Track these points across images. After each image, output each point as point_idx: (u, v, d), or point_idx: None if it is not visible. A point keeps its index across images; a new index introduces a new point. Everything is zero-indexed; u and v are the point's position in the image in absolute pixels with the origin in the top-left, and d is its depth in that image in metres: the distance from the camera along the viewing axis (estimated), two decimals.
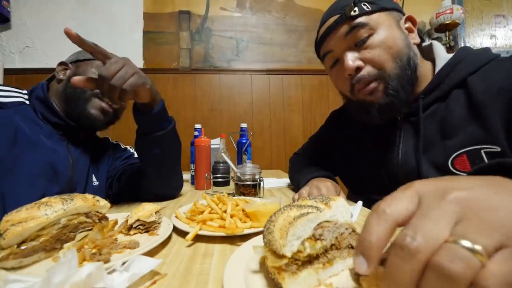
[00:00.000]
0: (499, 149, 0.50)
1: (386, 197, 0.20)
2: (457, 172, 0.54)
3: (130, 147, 0.94)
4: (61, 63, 0.75)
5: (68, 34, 0.50)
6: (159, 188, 0.75)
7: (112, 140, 0.93)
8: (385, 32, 0.58)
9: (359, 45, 0.59)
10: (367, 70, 0.59)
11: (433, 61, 0.64)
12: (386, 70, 0.58)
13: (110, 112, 0.76)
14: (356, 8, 0.58)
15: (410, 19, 0.64)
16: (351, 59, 0.60)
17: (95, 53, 0.54)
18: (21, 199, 0.58)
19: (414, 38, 0.63)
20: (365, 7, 0.58)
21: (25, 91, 0.72)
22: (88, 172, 0.76)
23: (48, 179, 0.65)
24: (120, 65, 0.54)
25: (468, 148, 0.53)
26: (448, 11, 1.84)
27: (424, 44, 0.68)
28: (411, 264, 0.17)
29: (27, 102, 0.70)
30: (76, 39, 0.51)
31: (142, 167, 0.73)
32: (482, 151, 0.52)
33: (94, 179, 0.78)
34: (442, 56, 0.62)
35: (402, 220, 0.19)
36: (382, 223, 0.19)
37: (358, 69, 0.60)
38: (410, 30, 0.64)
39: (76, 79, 0.53)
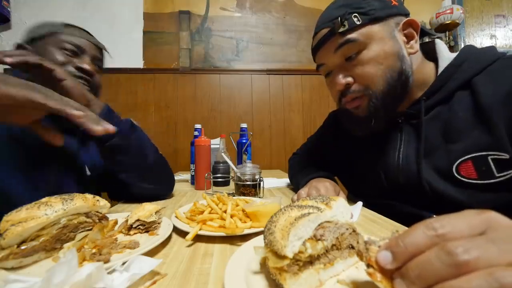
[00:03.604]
0: (507, 156, 0.47)
1: (451, 215, 0.19)
2: (461, 178, 0.52)
3: None
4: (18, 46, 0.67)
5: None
6: (144, 189, 0.72)
7: None
8: (376, 47, 0.56)
9: (349, 61, 0.59)
10: (355, 87, 0.60)
11: (436, 61, 0.62)
12: (372, 88, 0.57)
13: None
14: (346, 23, 0.55)
15: (410, 24, 0.58)
16: (341, 76, 0.60)
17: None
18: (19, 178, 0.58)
19: (413, 46, 0.58)
20: (355, 19, 0.55)
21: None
22: (75, 158, 0.73)
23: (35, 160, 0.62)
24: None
25: (474, 154, 0.50)
26: (448, 11, 1.84)
27: (426, 41, 0.66)
28: (449, 272, 0.16)
29: None
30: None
31: (117, 175, 0.69)
32: (489, 157, 0.49)
33: (87, 170, 0.75)
34: (445, 56, 0.60)
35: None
36: (428, 236, 0.18)
37: (348, 84, 0.60)
38: (410, 36, 0.59)
39: None
